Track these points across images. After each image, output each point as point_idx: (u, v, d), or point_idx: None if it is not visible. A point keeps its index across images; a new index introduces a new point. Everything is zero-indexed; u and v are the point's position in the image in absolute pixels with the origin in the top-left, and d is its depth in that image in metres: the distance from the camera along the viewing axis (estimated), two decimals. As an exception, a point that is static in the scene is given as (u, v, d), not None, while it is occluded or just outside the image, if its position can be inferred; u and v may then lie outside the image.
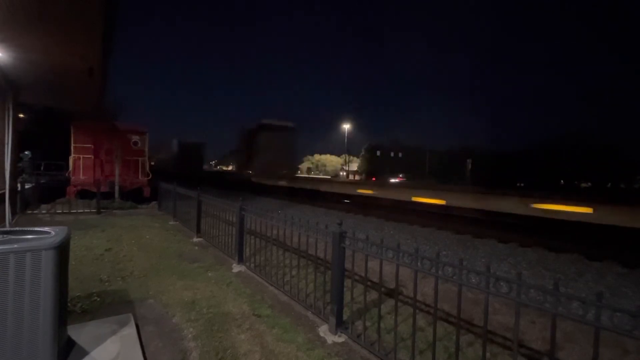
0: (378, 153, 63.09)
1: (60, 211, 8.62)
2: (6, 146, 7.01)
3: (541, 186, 32.36)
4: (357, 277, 3.73)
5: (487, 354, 1.88)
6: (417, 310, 2.30)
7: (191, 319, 2.94)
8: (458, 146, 56.12)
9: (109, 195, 10.59)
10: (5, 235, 2.00)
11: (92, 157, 11.68)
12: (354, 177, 55.82)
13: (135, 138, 12.59)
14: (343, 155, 68.99)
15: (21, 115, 9.27)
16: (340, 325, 2.78)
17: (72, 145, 11.42)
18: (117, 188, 10.98)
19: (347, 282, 3.13)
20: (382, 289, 2.72)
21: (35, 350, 1.87)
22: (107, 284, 3.74)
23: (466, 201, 11.71)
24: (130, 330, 2.56)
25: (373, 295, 3.54)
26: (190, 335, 2.68)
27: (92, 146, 11.69)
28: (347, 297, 3.02)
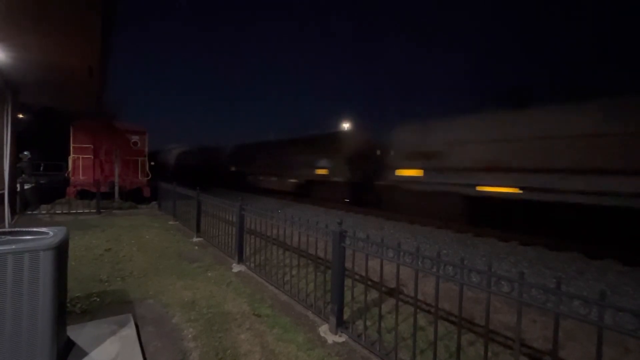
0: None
1: (60, 211, 8.61)
2: (5, 146, 7.00)
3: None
4: (357, 277, 3.72)
5: (489, 353, 1.86)
6: (418, 310, 2.29)
7: (191, 319, 2.93)
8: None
9: (108, 196, 10.58)
10: (3, 236, 1.99)
11: (92, 157, 11.66)
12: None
13: (134, 138, 12.57)
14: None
15: (20, 115, 9.25)
16: (340, 324, 2.77)
17: (72, 145, 11.40)
18: (116, 188, 10.98)
19: (348, 282, 3.12)
20: (383, 289, 2.71)
21: (34, 351, 1.86)
22: (106, 284, 3.74)
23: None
24: (129, 331, 2.55)
25: (373, 294, 3.53)
26: (190, 336, 2.67)
27: (92, 146, 11.67)
28: (347, 296, 3.01)
